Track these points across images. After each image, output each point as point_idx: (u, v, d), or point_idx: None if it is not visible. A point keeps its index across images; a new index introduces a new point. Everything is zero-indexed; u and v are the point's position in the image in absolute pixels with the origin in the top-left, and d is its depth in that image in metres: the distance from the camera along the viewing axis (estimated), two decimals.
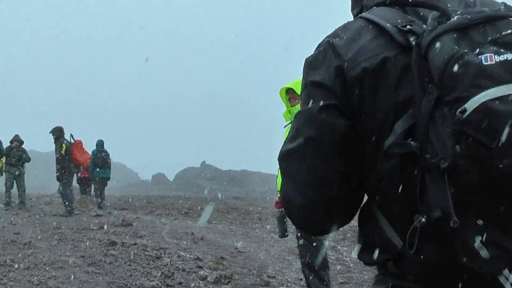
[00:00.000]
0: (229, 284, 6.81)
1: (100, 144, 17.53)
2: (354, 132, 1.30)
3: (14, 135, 16.99)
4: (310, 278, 5.66)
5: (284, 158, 1.38)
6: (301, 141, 1.34)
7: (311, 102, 1.34)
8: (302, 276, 6.48)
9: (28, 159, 17.03)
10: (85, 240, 9.73)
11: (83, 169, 16.48)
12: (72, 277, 6.82)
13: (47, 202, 19.09)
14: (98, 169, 17.00)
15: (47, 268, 7.25)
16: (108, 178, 17.51)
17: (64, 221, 12.94)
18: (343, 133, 1.30)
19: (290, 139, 1.37)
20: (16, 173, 16.64)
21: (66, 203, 15.03)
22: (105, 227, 11.58)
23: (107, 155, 17.38)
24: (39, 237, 9.91)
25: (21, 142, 16.95)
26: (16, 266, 7.20)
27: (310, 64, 1.39)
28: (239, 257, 8.70)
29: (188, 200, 25.74)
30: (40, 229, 11.40)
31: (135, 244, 9.05)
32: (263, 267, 7.98)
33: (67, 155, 15.11)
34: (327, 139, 1.31)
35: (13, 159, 16.47)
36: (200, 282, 6.89)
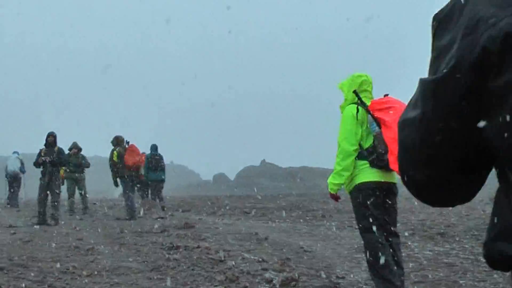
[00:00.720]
0: (296, 286, 6.49)
1: (153, 147, 17.97)
2: (481, 104, 1.02)
3: (72, 142, 17.26)
4: (375, 279, 5.36)
5: (400, 127, 1.21)
6: (419, 112, 1.12)
7: (437, 68, 1.09)
8: None
9: (87, 165, 17.27)
10: (147, 244, 9.61)
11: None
12: (134, 284, 6.66)
13: (111, 206, 19.28)
14: (152, 172, 17.31)
15: (109, 275, 7.11)
16: (163, 181, 17.83)
17: (127, 225, 12.91)
18: (470, 105, 1.04)
19: (410, 107, 1.18)
20: (77, 179, 16.90)
21: (127, 208, 15.31)
22: (168, 230, 11.46)
23: (161, 158, 17.70)
24: (102, 243, 9.85)
25: (80, 149, 17.23)
26: (79, 273, 7.10)
27: (439, 23, 1.13)
28: (305, 257, 8.36)
29: (250, 199, 25.57)
30: (103, 234, 11.39)
31: (198, 247, 8.85)
32: (331, 267, 7.62)
33: (121, 162, 15.18)
34: (449, 111, 1.06)
35: (72, 166, 16.71)
36: (266, 285, 6.59)
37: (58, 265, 7.54)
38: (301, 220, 14.33)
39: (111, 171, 15.52)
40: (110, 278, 6.92)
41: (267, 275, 7.02)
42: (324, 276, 7.04)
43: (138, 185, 16.36)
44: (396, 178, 5.62)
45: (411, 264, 7.45)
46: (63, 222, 13.59)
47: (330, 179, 5.51)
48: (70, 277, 6.85)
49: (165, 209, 16.88)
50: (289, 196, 30.31)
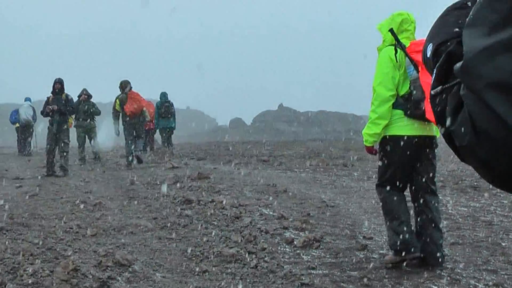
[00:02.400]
0: (319, 248, 5.93)
1: (163, 95, 18.17)
2: None
3: (82, 89, 16.66)
4: (391, 238, 5.10)
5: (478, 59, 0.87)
6: None
7: None
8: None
9: (97, 112, 16.71)
10: (158, 197, 9.09)
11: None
12: (143, 244, 6.13)
13: (123, 155, 18.83)
14: (162, 120, 17.70)
15: (116, 234, 6.60)
16: (173, 128, 18.01)
17: (139, 175, 12.42)
18: None
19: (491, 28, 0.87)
20: (87, 127, 16.37)
21: (126, 156, 15.07)
22: (181, 181, 10.94)
23: (171, 105, 17.80)
24: (111, 196, 9.36)
25: (89, 96, 16.62)
26: (83, 232, 6.59)
27: None
28: (328, 213, 7.78)
29: (266, 146, 25.05)
30: (113, 186, 10.91)
31: (212, 201, 8.30)
32: (357, 225, 7.04)
33: (122, 109, 14.79)
34: None
35: (82, 114, 16.18)
36: (286, 246, 6.04)
37: (61, 223, 7.05)
38: (322, 169, 13.74)
39: (112, 118, 15.19)
40: (117, 238, 6.41)
41: (287, 234, 6.47)
42: (349, 235, 6.48)
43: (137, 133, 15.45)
44: (435, 130, 4.99)
45: (445, 222, 6.84)
46: (72, 174, 13.13)
47: (364, 130, 5.07)
48: (73, 238, 6.33)
49: (174, 153, 16.60)
50: (307, 142, 29.77)
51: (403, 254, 4.91)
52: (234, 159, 17.34)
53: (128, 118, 14.79)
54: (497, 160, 0.88)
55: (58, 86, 12.96)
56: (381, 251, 5.77)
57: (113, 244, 6.11)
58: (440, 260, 4.97)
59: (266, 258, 5.59)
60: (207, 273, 5.23)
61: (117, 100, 14.85)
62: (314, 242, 6.03)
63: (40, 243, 6.01)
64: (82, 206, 8.31)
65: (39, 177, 12.28)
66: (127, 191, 10.00)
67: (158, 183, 10.87)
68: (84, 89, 16.70)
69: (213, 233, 6.52)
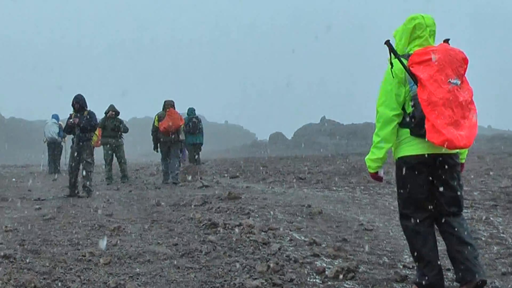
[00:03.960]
0: (353, 279, 5.48)
1: (190, 111, 18.42)
2: None
3: (109, 105, 16.56)
4: (417, 277, 4.81)
5: None
6: None
7: None
8: (450, 266, 5.08)
9: (126, 130, 16.57)
10: (183, 221, 8.76)
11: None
12: (158, 275, 5.78)
13: (153, 173, 18.62)
14: (190, 136, 18.00)
15: (131, 263, 6.26)
16: (201, 143, 18.17)
17: (166, 195, 12.15)
18: None
19: None
20: (114, 144, 16.26)
21: (162, 173, 15.87)
22: (209, 201, 10.61)
23: (199, 121, 18.06)
24: (132, 220, 9.06)
25: (117, 113, 16.51)
26: (96, 261, 6.28)
27: None
28: (365, 237, 7.32)
29: (305, 161, 24.59)
30: (137, 207, 10.63)
31: (240, 225, 7.92)
32: (397, 251, 6.55)
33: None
34: None
35: (110, 130, 16.08)
36: (317, 277, 5.61)
37: (74, 250, 6.77)
38: (362, 188, 13.24)
39: (151, 135, 15.87)
40: (131, 268, 6.06)
41: (318, 263, 6.05)
42: (388, 263, 6.02)
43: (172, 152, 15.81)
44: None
45: (495, 248, 6.34)
46: (97, 194, 12.92)
47: (367, 156, 4.85)
48: (84, 267, 6.01)
49: (202, 172, 16.92)
50: (350, 156, 29.17)
51: None
52: (269, 176, 16.96)
53: (162, 135, 15.38)
54: None
55: (77, 106, 12.62)
56: None
57: (126, 274, 5.77)
58: (477, 275, 4.42)
59: None
60: None
61: (156, 117, 15.51)
62: (348, 272, 5.58)
63: (47, 273, 5.73)
64: (99, 230, 8.04)
65: (61, 198, 12.11)
66: (150, 214, 9.70)
67: (185, 204, 10.56)
68: (111, 105, 16.59)
69: (237, 261, 6.14)
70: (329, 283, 5.43)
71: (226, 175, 18.12)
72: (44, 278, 5.55)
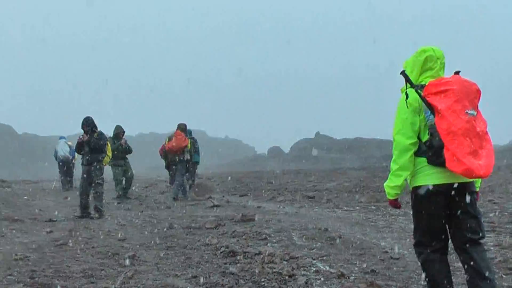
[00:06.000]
0: None
1: (188, 132, 17.90)
2: None
3: (115, 126, 15.98)
4: None
5: None
6: None
7: None
8: None
9: (130, 150, 16.02)
10: (199, 247, 7.97)
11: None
12: None
13: (163, 191, 17.84)
14: None
15: None
16: (197, 162, 17.51)
17: (178, 216, 11.36)
18: None
19: None
20: (125, 166, 15.73)
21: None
22: (223, 224, 9.81)
23: (195, 141, 17.21)
24: (146, 245, 8.26)
25: (123, 133, 16.02)
26: None
27: None
28: (394, 268, 6.50)
29: (308, 176, 23.86)
30: (150, 230, 9.80)
31: (259, 253, 7.13)
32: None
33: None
34: None
35: (120, 152, 15.56)
36: None
37: (87, 285, 5.95)
38: (373, 208, 12.43)
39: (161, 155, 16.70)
40: None
41: None
42: None
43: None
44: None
45: None
46: (108, 214, 12.11)
47: (386, 182, 4.63)
48: None
49: (192, 187, 16.77)
50: (348, 171, 28.46)
51: None
52: (277, 195, 16.17)
53: (170, 154, 15.98)
54: None
55: (87, 129, 11.79)
56: None
57: None
58: None
59: None
60: None
61: (167, 138, 16.23)
62: None
63: None
64: (113, 259, 7.24)
65: (73, 219, 11.30)
66: (164, 238, 8.89)
67: (199, 227, 9.77)
68: (119, 126, 16.02)
69: None
70: None
71: (235, 193, 17.34)
72: None
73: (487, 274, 4.29)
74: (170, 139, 15.78)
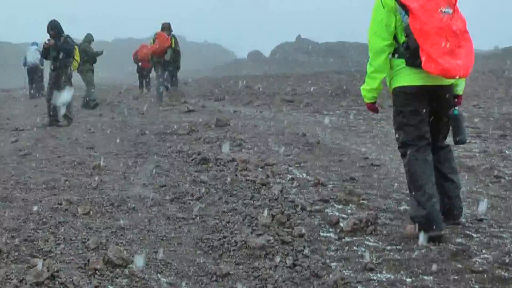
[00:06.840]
0: (375, 234, 4.44)
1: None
2: None
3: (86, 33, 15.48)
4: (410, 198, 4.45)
5: None
6: None
7: None
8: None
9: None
10: (170, 154, 7.63)
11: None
12: (145, 229, 4.68)
13: (136, 97, 17.34)
14: None
15: (114, 212, 5.14)
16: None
17: (150, 122, 10.96)
18: None
19: None
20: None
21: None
22: (196, 130, 9.45)
23: (177, 41, 16.54)
24: (115, 153, 7.90)
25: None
26: (73, 210, 5.14)
27: None
28: (374, 175, 6.23)
29: (287, 80, 23.40)
30: (120, 136, 9.40)
31: (233, 160, 6.80)
32: None
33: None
34: None
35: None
36: (330, 231, 4.56)
37: (50, 197, 5.61)
38: (354, 112, 12.09)
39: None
40: (114, 219, 4.94)
41: (329, 211, 4.99)
42: (409, 211, 4.97)
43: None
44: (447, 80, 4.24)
45: None
46: (78, 121, 11.67)
47: (362, 86, 4.56)
48: (59, 220, 4.85)
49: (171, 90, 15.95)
50: (330, 74, 28.01)
51: (425, 229, 4.17)
52: (255, 99, 15.76)
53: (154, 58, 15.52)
54: None
55: (53, 33, 11.22)
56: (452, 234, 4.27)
57: (108, 229, 4.65)
58: (455, 212, 4.50)
59: (305, 251, 4.15)
60: (228, 278, 3.80)
61: (152, 40, 15.66)
62: (367, 225, 4.53)
63: (16, 230, 4.59)
64: (79, 168, 6.88)
65: (41, 128, 10.86)
66: (135, 145, 8.53)
67: (171, 133, 9.39)
68: (89, 34, 15.50)
69: (235, 210, 5.06)
70: (347, 239, 4.39)
71: (211, 97, 16.90)
72: (12, 237, 4.41)
73: (453, 177, 4.46)
74: (154, 41, 15.29)
